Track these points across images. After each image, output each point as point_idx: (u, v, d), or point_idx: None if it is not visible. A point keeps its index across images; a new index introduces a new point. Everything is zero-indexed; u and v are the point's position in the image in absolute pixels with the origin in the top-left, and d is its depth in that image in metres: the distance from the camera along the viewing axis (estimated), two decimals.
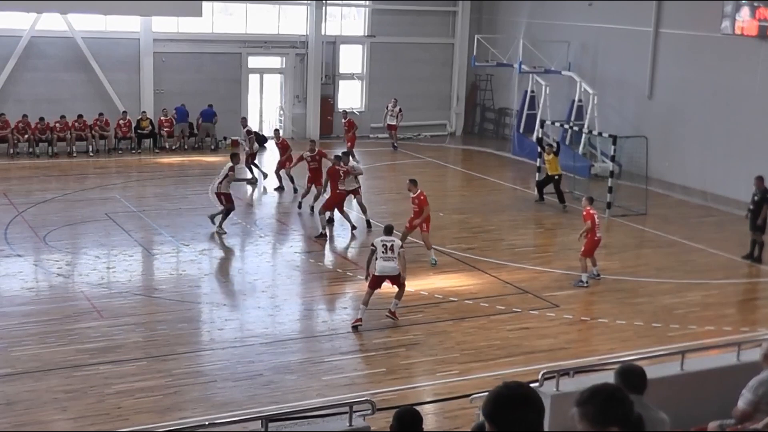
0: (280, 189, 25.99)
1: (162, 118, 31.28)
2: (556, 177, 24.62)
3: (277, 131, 27.62)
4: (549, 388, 8.68)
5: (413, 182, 19.80)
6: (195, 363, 14.09)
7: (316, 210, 22.07)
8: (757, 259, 20.42)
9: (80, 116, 30.08)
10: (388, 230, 16.28)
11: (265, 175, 26.98)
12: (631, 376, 6.89)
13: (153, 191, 25.95)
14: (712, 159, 26.20)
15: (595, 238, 18.22)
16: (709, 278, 19.43)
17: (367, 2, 35.62)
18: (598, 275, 18.59)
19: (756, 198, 20.41)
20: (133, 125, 30.79)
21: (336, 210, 21.90)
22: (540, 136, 28.38)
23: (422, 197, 19.47)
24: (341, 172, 21.56)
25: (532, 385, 7.97)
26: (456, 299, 17.22)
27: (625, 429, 4.41)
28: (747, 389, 8.03)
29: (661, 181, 26.54)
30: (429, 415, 12.22)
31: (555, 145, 25.33)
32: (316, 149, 24.12)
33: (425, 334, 15.47)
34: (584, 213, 18.47)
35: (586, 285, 18.13)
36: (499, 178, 29.01)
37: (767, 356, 8.27)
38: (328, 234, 21.40)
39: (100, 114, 30.39)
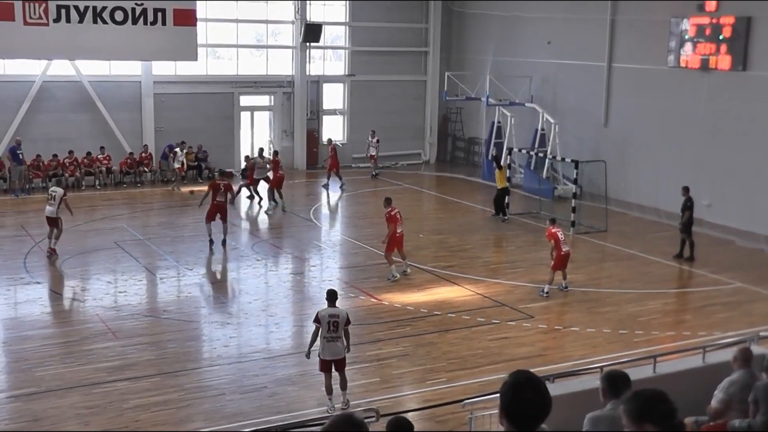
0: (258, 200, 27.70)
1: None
2: (499, 189, 25.75)
3: (267, 151, 28.95)
4: None
5: (387, 200, 19.97)
6: (204, 378, 13.94)
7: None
8: (689, 258, 21.31)
9: (89, 153, 29.91)
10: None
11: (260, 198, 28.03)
12: (616, 381, 6.87)
13: (156, 220, 25.73)
14: (663, 179, 26.34)
15: (561, 253, 18.16)
16: (666, 288, 19.52)
17: (348, 42, 35.68)
18: (566, 287, 18.58)
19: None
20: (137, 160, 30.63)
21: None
22: (494, 153, 29.03)
23: (389, 215, 19.44)
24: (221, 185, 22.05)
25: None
26: (440, 313, 17.15)
27: (660, 428, 4.47)
28: (719, 389, 8.03)
29: (618, 201, 26.64)
30: (421, 420, 12.15)
31: (494, 162, 26.41)
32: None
33: (414, 345, 15.39)
34: (546, 233, 18.67)
35: (546, 295, 18.09)
36: (471, 201, 29.02)
37: (736, 359, 8.29)
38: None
39: (102, 147, 30.18)
